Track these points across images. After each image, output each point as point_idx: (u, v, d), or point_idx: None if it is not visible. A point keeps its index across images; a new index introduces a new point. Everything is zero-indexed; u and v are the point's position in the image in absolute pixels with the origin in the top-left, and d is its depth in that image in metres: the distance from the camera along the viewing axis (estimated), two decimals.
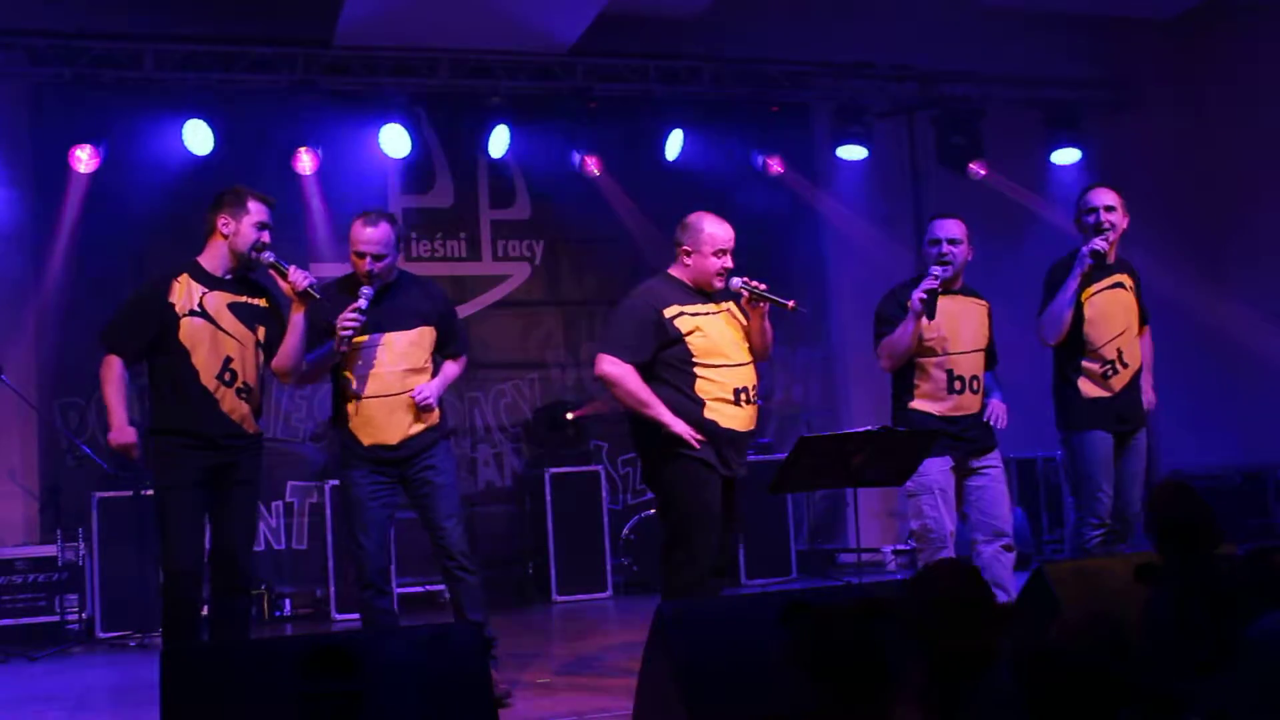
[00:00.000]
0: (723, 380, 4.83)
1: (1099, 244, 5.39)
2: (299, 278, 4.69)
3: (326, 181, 8.71)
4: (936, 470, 5.18)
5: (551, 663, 6.06)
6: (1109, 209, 5.52)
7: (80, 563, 7.45)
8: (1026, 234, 9.21)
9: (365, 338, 4.95)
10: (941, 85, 9.53)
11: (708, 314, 4.91)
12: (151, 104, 8.04)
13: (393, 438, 4.99)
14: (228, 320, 4.65)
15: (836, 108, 9.39)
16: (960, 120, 9.46)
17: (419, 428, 5.03)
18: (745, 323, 4.98)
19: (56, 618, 7.36)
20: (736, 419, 4.84)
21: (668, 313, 4.86)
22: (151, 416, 4.68)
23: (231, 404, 4.64)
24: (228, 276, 4.71)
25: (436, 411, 5.11)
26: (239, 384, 4.66)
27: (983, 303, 5.47)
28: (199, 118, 8.00)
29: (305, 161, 8.40)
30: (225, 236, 4.68)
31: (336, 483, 8.02)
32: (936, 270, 5.22)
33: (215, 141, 8.07)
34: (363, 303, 4.87)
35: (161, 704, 3.25)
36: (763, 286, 4.88)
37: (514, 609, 7.98)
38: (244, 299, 4.73)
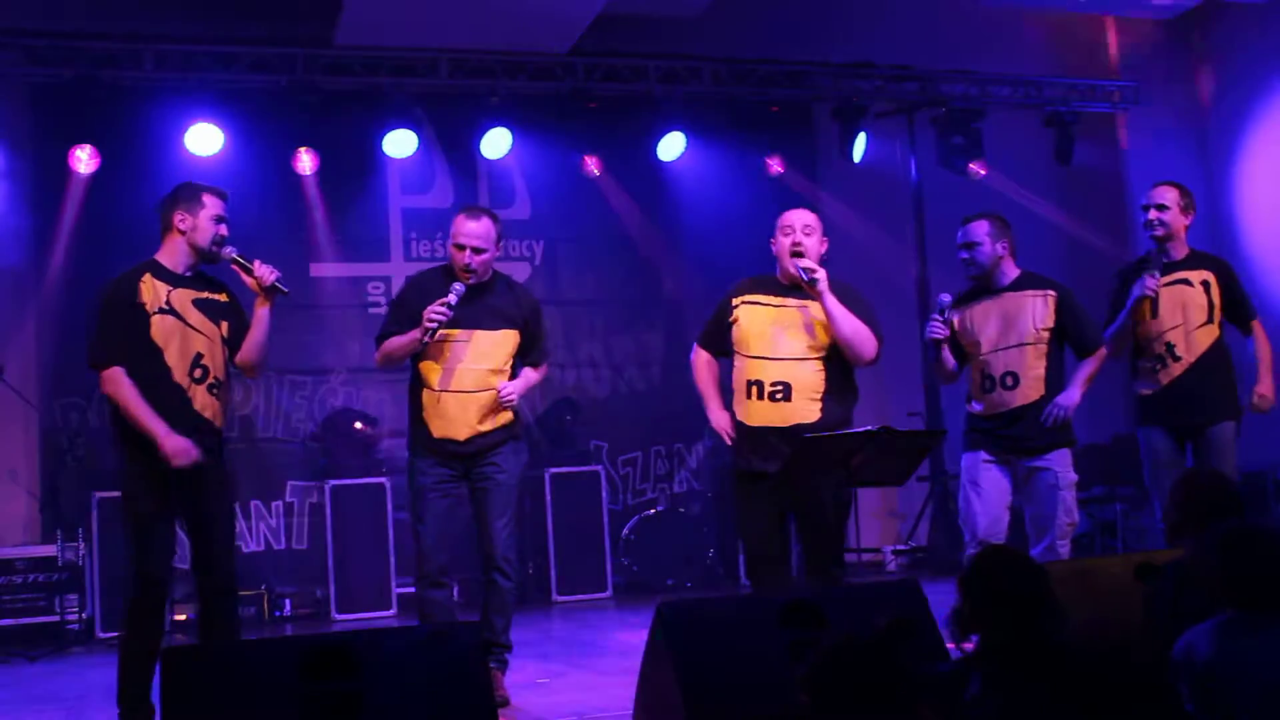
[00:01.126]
0: (744, 371, 4.85)
1: (1149, 287, 5.35)
2: (265, 272, 4.67)
3: (326, 181, 8.73)
4: (968, 463, 5.31)
5: (551, 663, 6.06)
6: (1160, 208, 5.53)
7: (80, 563, 7.45)
8: (1026, 234, 9.19)
9: (457, 332, 4.98)
10: (941, 85, 9.53)
11: (764, 304, 4.90)
12: (151, 104, 8.04)
13: (462, 434, 5.01)
14: (195, 317, 4.59)
15: (836, 108, 9.39)
16: (960, 120, 9.46)
17: (489, 426, 5.04)
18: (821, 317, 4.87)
19: (56, 618, 7.36)
20: (749, 413, 4.83)
21: (734, 301, 4.95)
22: (117, 417, 4.53)
23: (203, 400, 4.58)
24: (189, 273, 4.64)
25: (510, 412, 5.12)
26: (210, 380, 4.60)
27: (1044, 293, 5.27)
28: (199, 118, 8.00)
29: (305, 161, 8.41)
30: (183, 233, 4.60)
31: (336, 483, 8.09)
32: (945, 297, 5.24)
33: (215, 142, 8.08)
34: (452, 298, 4.89)
35: (161, 704, 3.24)
36: (807, 263, 4.80)
37: (514, 609, 7.97)
38: (206, 295, 4.66)
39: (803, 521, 4.91)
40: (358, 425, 8.64)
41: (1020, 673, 2.74)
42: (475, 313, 5.01)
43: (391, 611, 7.97)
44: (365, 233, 9.14)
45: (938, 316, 5.17)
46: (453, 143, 9.07)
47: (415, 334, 4.93)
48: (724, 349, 5.00)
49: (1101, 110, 9.93)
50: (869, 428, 4.51)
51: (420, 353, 5.04)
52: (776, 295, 4.92)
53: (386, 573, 8.03)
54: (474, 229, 5.03)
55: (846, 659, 2.63)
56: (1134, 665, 2.83)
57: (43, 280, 8.18)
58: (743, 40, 9.32)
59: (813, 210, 5.05)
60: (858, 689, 2.57)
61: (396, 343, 5.04)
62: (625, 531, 8.76)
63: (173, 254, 4.63)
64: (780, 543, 4.88)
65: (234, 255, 4.68)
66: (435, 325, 4.87)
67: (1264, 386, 5.60)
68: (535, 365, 5.27)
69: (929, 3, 9.17)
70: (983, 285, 5.33)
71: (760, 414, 4.82)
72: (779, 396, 4.80)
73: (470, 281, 4.99)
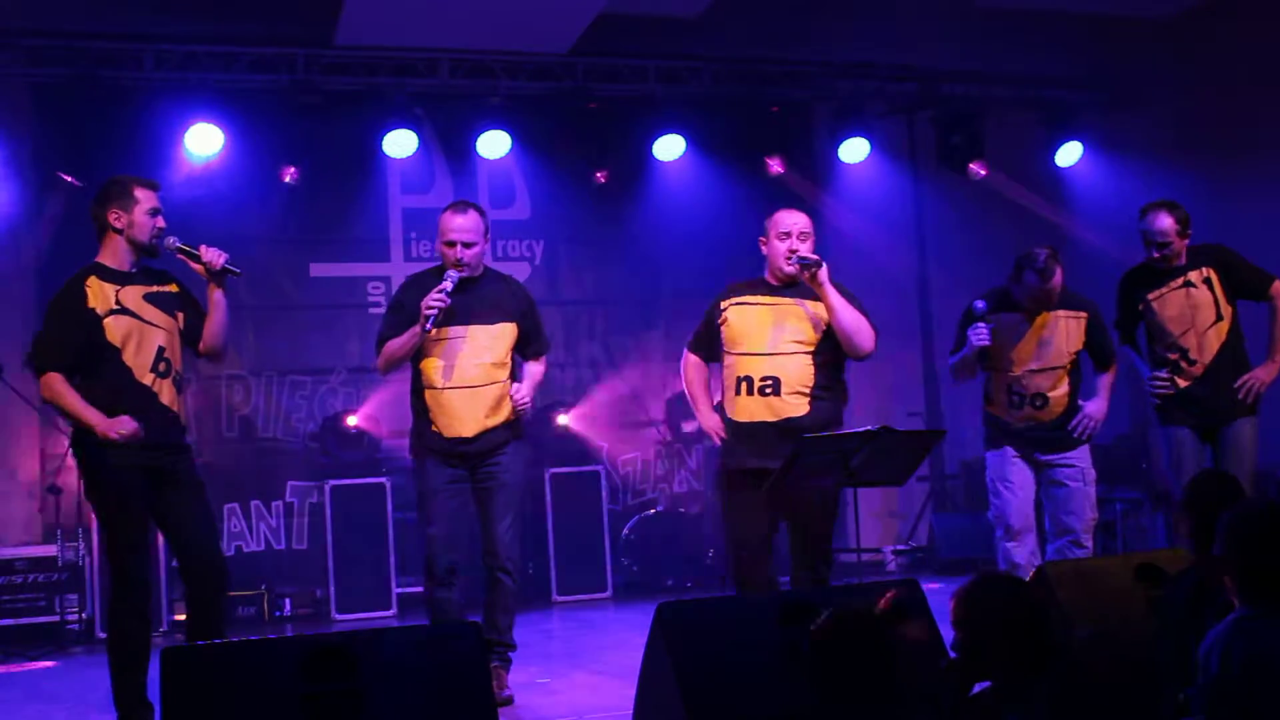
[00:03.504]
0: (735, 368, 4.86)
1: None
2: (213, 256, 4.60)
3: (326, 181, 8.73)
4: (995, 460, 5.44)
5: (551, 663, 6.06)
6: (1161, 246, 5.51)
7: (80, 563, 7.45)
8: (1026, 234, 9.19)
9: (449, 329, 4.98)
10: (941, 85, 9.52)
11: (754, 304, 4.90)
12: (151, 104, 8.03)
13: (469, 430, 5.01)
14: (150, 312, 4.54)
15: (836, 108, 9.39)
16: (960, 120, 9.45)
17: (495, 421, 5.05)
18: (819, 312, 4.85)
19: (56, 618, 7.36)
20: (740, 409, 4.83)
21: (723, 304, 4.96)
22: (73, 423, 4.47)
23: (169, 395, 4.55)
24: (134, 270, 4.58)
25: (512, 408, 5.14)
26: (173, 374, 4.58)
27: (1080, 315, 5.40)
28: (199, 118, 8.00)
29: (305, 162, 8.40)
30: (120, 231, 4.53)
31: (336, 483, 8.08)
32: (981, 304, 5.29)
33: (215, 142, 8.08)
34: (448, 285, 4.89)
35: (161, 704, 3.25)
36: (812, 256, 4.80)
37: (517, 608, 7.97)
38: (156, 288, 4.61)
39: (792, 521, 4.90)
40: (351, 421, 8.64)
41: (1029, 691, 2.73)
42: (471, 307, 5.01)
43: (391, 611, 7.96)
44: (365, 233, 9.13)
45: (982, 325, 5.22)
46: (453, 143, 9.06)
47: (415, 329, 4.92)
48: (713, 353, 5.01)
49: (1101, 110, 9.92)
50: (869, 428, 4.50)
51: (420, 353, 5.04)
52: (768, 294, 4.92)
53: (386, 573, 8.03)
54: (462, 223, 5.03)
55: (848, 623, 2.66)
56: (1146, 677, 2.80)
57: (43, 281, 8.17)
58: (743, 40, 9.31)
59: (805, 213, 5.02)
60: (854, 655, 2.60)
61: (397, 343, 5.03)
62: (625, 531, 8.76)
63: (114, 254, 4.56)
64: (766, 541, 4.88)
65: (177, 244, 4.61)
66: (434, 313, 4.85)
67: (1265, 370, 5.54)
68: (535, 357, 5.28)
69: (929, 3, 9.16)
70: (1010, 301, 5.39)
71: (749, 409, 4.82)
72: (768, 390, 4.81)
73: (464, 273, 4.99)
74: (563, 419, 9.02)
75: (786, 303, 4.89)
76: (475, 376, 5.02)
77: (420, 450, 5.11)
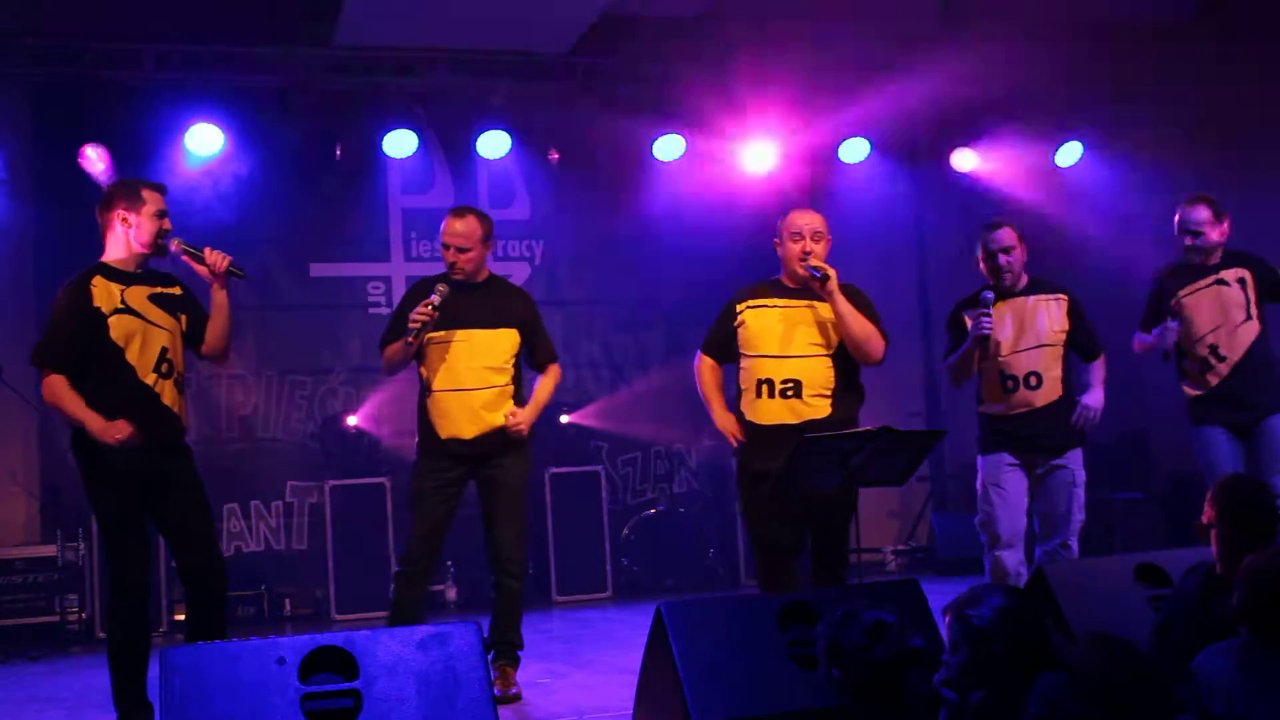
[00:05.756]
0: (753, 371, 4.83)
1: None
2: (217, 259, 4.62)
3: (326, 182, 8.73)
4: (988, 465, 5.31)
5: (551, 663, 6.06)
6: (1195, 234, 5.58)
7: (80, 563, 7.46)
8: (1026, 233, 9.18)
9: (448, 332, 5.02)
10: (940, 85, 9.51)
11: (769, 306, 4.87)
12: (151, 104, 8.04)
13: (468, 432, 5.05)
14: (154, 313, 4.53)
15: (834, 107, 9.38)
16: (956, 120, 9.45)
17: (496, 424, 5.07)
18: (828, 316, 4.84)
19: (56, 618, 7.37)
20: (758, 411, 4.81)
21: (738, 306, 4.93)
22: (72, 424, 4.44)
23: (172, 396, 4.53)
24: (138, 270, 4.57)
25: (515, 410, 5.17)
26: (175, 374, 4.56)
27: (1059, 297, 5.35)
28: (199, 118, 8.01)
29: (304, 162, 8.41)
30: (127, 232, 4.54)
31: (336, 483, 8.09)
32: (989, 294, 5.21)
33: (216, 142, 8.08)
34: (435, 299, 4.95)
35: (161, 704, 3.25)
36: (821, 265, 4.78)
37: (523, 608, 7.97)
38: (160, 289, 4.60)
39: (811, 521, 4.90)
40: (351, 421, 8.65)
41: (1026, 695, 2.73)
42: (468, 311, 5.05)
43: None
44: (365, 233, 9.14)
45: (988, 312, 5.15)
46: (453, 143, 9.07)
47: (405, 339, 5.00)
48: (728, 354, 4.99)
49: (1101, 110, 9.92)
50: (869, 428, 4.51)
51: (420, 355, 5.09)
52: (783, 297, 4.91)
53: (386, 573, 8.00)
54: (457, 228, 5.08)
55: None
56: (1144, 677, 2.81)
57: (43, 281, 8.17)
58: (741, 40, 9.30)
59: (817, 211, 5.02)
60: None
61: (392, 349, 5.14)
62: (625, 531, 8.76)
63: (119, 253, 4.56)
64: (793, 536, 4.87)
65: (182, 246, 4.62)
66: (418, 327, 4.93)
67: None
68: (544, 367, 5.29)
69: (928, 3, 9.17)
70: (1001, 290, 5.34)
71: (771, 412, 4.81)
72: (790, 394, 4.80)
73: (458, 278, 5.03)
74: (563, 419, 9.02)
75: (801, 306, 4.87)
76: (470, 379, 5.05)
77: (421, 450, 5.18)
